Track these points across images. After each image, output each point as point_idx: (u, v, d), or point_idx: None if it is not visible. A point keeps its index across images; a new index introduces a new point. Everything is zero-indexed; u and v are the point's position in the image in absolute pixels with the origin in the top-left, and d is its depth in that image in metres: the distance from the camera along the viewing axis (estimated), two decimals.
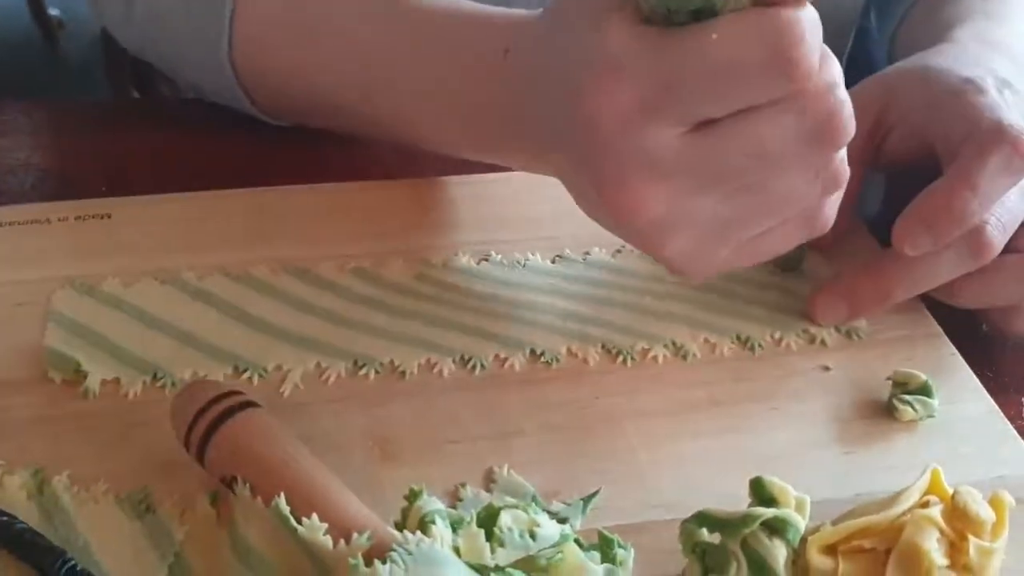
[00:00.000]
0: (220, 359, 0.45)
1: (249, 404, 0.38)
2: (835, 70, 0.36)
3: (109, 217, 0.52)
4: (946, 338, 0.48)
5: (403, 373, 0.45)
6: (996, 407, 0.44)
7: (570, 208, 0.54)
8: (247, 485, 0.35)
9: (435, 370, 0.45)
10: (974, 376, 0.46)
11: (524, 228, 0.53)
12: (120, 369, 0.44)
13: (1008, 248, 0.44)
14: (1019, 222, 0.45)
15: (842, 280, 0.48)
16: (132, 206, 0.53)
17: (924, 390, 0.43)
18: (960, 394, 0.45)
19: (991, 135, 0.43)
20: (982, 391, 0.45)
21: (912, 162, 0.50)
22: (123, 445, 0.41)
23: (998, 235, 0.44)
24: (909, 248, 0.44)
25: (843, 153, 0.37)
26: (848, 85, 0.36)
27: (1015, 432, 0.43)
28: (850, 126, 0.36)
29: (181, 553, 0.37)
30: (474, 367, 0.45)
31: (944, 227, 0.43)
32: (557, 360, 0.46)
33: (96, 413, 0.42)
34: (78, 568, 0.35)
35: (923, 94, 0.49)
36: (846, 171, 0.38)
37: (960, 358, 0.47)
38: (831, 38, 0.35)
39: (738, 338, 0.47)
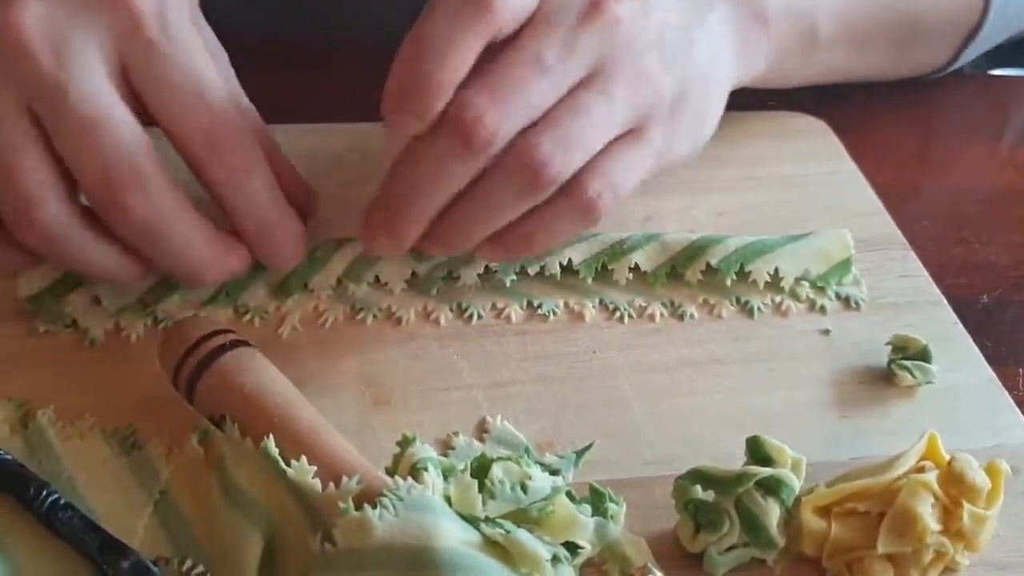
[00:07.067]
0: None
1: (240, 343, 0.37)
2: None
3: None
4: (948, 306, 0.47)
5: (399, 320, 0.44)
6: (995, 376, 0.44)
7: None
8: (236, 425, 0.35)
9: (431, 317, 0.44)
10: (974, 345, 0.45)
11: None
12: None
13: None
14: (586, 150, 0.39)
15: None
16: None
17: (923, 355, 0.43)
18: (959, 363, 0.44)
19: None
20: (981, 360, 0.44)
21: None
22: (111, 380, 0.40)
23: (549, 155, 0.38)
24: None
25: None
26: None
27: (1012, 402, 0.43)
28: None
29: (167, 491, 0.36)
30: (471, 316, 0.45)
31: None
32: (554, 313, 0.45)
33: (83, 347, 0.42)
34: (61, 501, 0.34)
35: None
36: None
37: (961, 327, 0.46)
38: None
39: (737, 300, 0.46)
